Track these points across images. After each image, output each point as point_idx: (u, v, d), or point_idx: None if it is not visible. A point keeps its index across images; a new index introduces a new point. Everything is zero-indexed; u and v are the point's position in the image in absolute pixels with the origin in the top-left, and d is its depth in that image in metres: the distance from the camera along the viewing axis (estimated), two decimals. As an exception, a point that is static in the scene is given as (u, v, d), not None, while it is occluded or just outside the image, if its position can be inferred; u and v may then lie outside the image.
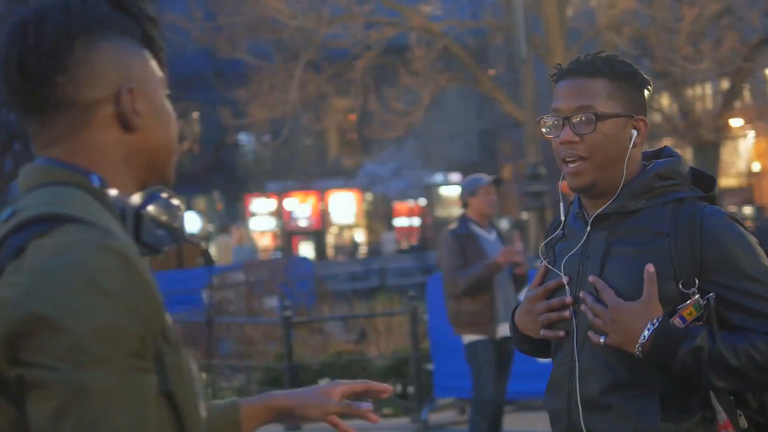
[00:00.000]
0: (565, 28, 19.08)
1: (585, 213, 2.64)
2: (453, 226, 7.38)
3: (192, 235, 1.60)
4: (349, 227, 45.73)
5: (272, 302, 15.07)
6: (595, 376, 2.56)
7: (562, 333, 2.62)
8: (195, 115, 29.38)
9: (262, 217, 43.81)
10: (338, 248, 44.76)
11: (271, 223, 44.04)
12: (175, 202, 1.71)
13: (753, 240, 2.53)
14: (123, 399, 1.48)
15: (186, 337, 11.79)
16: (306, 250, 41.73)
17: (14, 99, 1.65)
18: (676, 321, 2.48)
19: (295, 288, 15.43)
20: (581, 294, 2.57)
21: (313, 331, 13.11)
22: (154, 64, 1.71)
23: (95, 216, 1.56)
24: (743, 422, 2.56)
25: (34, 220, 1.53)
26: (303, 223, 44.04)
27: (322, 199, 43.84)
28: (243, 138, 35.18)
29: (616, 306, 2.49)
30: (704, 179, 2.64)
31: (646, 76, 2.62)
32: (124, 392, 1.48)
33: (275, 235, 43.77)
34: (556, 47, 18.60)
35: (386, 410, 10.01)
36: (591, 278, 2.54)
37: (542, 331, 2.65)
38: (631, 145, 2.55)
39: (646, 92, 2.63)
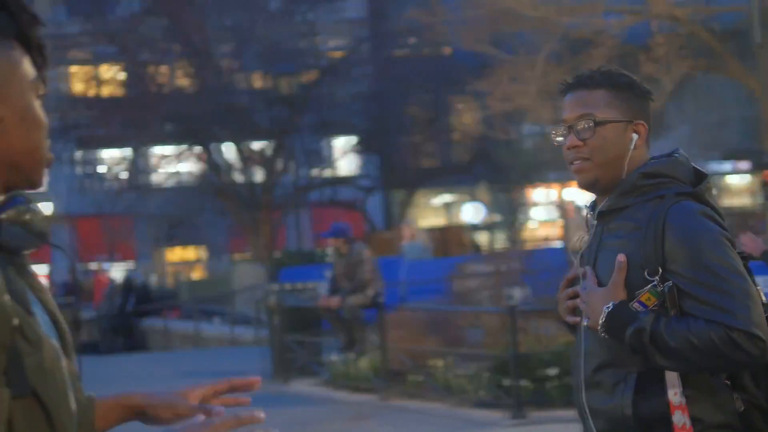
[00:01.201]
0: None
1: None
2: None
3: (51, 237, 1.70)
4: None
5: (516, 292, 15.26)
6: (592, 356, 2.84)
7: (578, 318, 2.90)
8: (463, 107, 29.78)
9: (542, 207, 43.59)
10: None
11: (552, 214, 43.76)
12: (36, 206, 1.67)
13: (718, 235, 2.72)
14: None
15: (431, 325, 12.29)
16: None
17: None
18: (635, 305, 2.72)
19: (538, 278, 15.54)
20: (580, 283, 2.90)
21: (546, 321, 13.20)
22: (25, 64, 1.63)
23: None
24: (739, 405, 2.73)
25: None
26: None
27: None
28: (517, 128, 35.21)
29: (588, 291, 2.80)
30: (699, 177, 2.84)
31: (645, 87, 2.90)
32: None
33: (556, 226, 43.47)
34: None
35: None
36: (582, 269, 2.87)
37: (567, 317, 2.96)
38: (632, 147, 2.82)
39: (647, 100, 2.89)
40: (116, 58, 25.86)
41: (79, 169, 33.68)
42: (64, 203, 45.22)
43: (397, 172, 27.43)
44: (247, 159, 23.85)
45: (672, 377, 2.71)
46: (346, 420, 10.55)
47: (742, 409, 2.74)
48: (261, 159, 23.78)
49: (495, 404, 10.39)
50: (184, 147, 25.82)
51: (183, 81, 25.70)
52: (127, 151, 28.32)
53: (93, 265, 42.35)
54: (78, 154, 34.59)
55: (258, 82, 24.10)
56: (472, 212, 34.73)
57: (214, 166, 25.07)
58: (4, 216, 1.62)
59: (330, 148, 25.94)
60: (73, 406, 1.63)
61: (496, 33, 20.53)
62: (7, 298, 1.51)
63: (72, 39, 25.96)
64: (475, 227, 34.67)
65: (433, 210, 35.02)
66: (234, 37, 24.24)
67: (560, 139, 2.89)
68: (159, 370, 15.08)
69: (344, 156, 27.13)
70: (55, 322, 1.67)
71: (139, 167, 27.49)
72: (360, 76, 24.38)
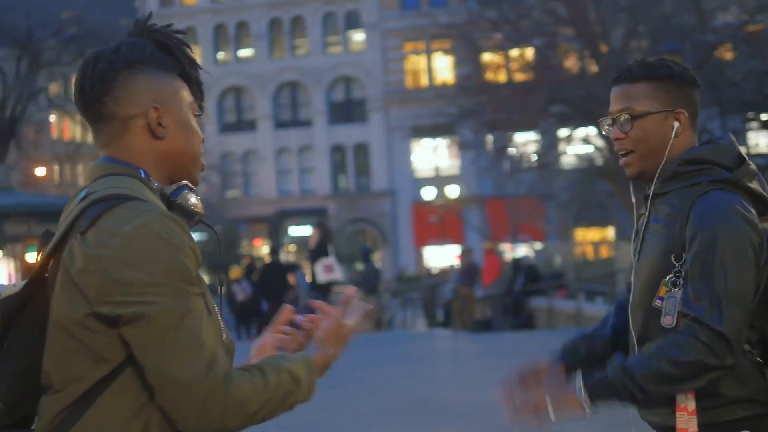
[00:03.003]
0: None
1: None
2: None
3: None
4: None
5: None
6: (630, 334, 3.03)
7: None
8: None
9: None
10: None
11: None
12: (195, 195, 2.33)
13: (741, 230, 2.77)
14: (198, 315, 2.11)
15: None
16: None
17: (82, 113, 2.34)
18: (657, 303, 2.88)
19: None
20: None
21: None
22: (184, 92, 2.35)
23: (146, 196, 2.20)
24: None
25: (106, 198, 2.15)
26: None
27: None
28: None
29: (551, 389, 2.95)
30: (741, 162, 2.93)
31: (689, 75, 3.00)
32: (197, 310, 2.11)
33: None
34: None
35: None
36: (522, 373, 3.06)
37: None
38: (673, 135, 2.94)
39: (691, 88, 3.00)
40: (517, 43, 26.57)
41: (488, 153, 34.84)
42: (473, 186, 47.07)
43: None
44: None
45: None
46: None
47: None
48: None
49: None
50: (580, 129, 26.13)
51: (577, 64, 25.99)
52: (532, 135, 29.04)
53: (502, 246, 43.68)
54: (488, 138, 35.84)
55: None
56: None
57: (600, 148, 25.23)
58: (177, 200, 2.26)
59: (725, 126, 25.22)
60: (226, 334, 2.26)
61: None
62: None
63: (476, 25, 26.97)
64: None
65: None
66: (628, 17, 24.22)
67: (607, 129, 3.06)
68: (542, 347, 15.58)
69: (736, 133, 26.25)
70: None
71: (545, 149, 28.10)
72: (752, 51, 23.51)
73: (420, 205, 49.82)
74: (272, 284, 21.58)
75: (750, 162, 2.90)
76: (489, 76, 28.23)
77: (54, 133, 56.66)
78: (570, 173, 30.74)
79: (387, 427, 9.99)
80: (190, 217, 2.28)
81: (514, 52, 27.16)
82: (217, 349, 2.12)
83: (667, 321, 2.83)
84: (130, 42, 2.31)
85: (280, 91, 54.48)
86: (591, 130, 25.49)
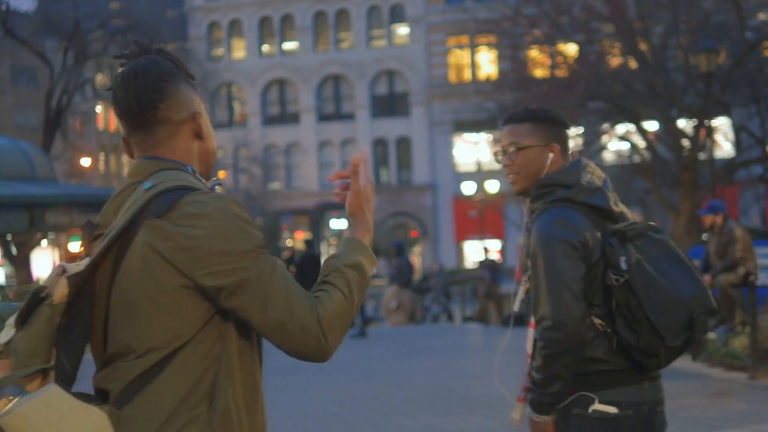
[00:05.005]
0: None
1: None
2: None
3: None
4: None
5: None
6: None
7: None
8: None
9: None
10: None
11: None
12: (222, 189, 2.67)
13: (554, 239, 3.55)
14: (280, 267, 2.45)
15: None
16: None
17: (128, 119, 2.59)
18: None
19: None
20: None
21: None
22: (200, 100, 2.71)
23: (201, 187, 2.53)
24: (612, 344, 3.59)
25: (176, 188, 2.46)
26: None
27: None
28: None
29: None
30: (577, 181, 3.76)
31: (559, 118, 3.84)
32: (278, 264, 2.45)
33: None
34: None
35: None
36: None
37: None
38: (548, 163, 3.79)
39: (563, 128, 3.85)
40: (557, 40, 26.58)
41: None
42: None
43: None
44: (672, 137, 23.76)
45: (530, 333, 3.69)
46: (707, 396, 10.61)
47: (616, 348, 3.56)
48: (684, 137, 23.60)
49: None
50: (618, 126, 26.12)
51: (615, 60, 25.97)
52: (572, 131, 29.04)
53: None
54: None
55: (685, 59, 23.88)
56: None
57: (635, 145, 25.22)
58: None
59: (764, 124, 25.08)
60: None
61: None
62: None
63: (515, 22, 27.00)
64: None
65: None
66: (668, 14, 24.17)
67: (500, 159, 3.90)
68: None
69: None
70: None
71: (585, 145, 28.10)
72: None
73: (461, 199, 49.92)
74: (308, 274, 21.84)
75: (587, 181, 3.65)
76: (528, 71, 28.28)
77: (99, 124, 57.32)
78: (608, 170, 30.70)
79: (410, 418, 10.18)
80: None
81: (553, 49, 27.18)
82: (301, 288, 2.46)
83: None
84: (157, 58, 2.61)
85: (324, 84, 54.76)
86: (629, 127, 25.49)
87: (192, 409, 2.40)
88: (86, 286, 2.44)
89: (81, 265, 2.46)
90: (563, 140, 3.85)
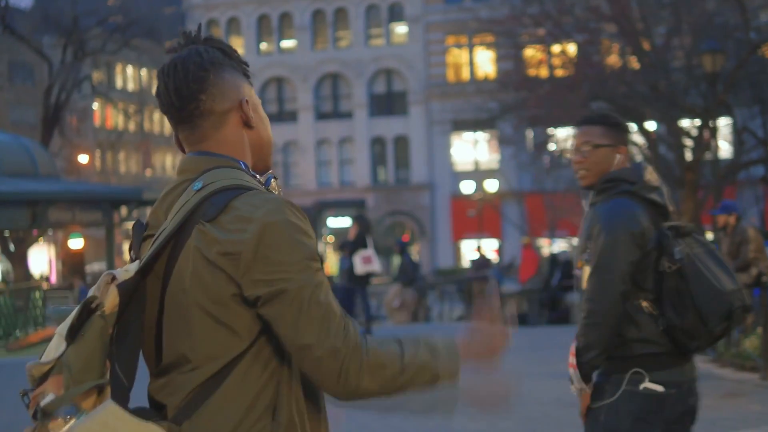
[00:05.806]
0: None
1: None
2: None
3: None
4: None
5: None
6: None
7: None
8: None
9: None
10: None
11: None
12: (277, 183, 2.51)
13: (618, 227, 3.97)
14: (326, 287, 2.27)
15: None
16: None
17: (171, 113, 2.46)
18: (576, 272, 4.23)
19: None
20: None
21: None
22: (251, 87, 2.55)
23: (255, 185, 2.37)
24: (660, 325, 3.97)
25: (228, 188, 2.32)
26: None
27: None
28: None
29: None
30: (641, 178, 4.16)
31: (626, 125, 4.31)
32: (324, 283, 2.27)
33: None
34: None
35: None
36: None
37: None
38: (615, 163, 4.17)
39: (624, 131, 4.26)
40: (559, 40, 26.56)
41: (527, 148, 34.85)
42: (512, 180, 47.07)
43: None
44: (674, 137, 23.75)
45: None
46: (719, 396, 10.56)
47: (662, 328, 3.95)
48: (688, 137, 23.59)
49: None
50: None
51: (617, 60, 25.95)
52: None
53: (540, 241, 43.62)
54: (528, 133, 35.84)
55: (688, 59, 23.86)
56: None
57: (637, 145, 25.20)
58: (268, 189, 2.43)
59: (766, 124, 25.07)
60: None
61: None
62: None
63: (517, 21, 26.97)
64: None
65: None
66: (671, 15, 24.14)
67: (571, 156, 4.37)
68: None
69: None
70: None
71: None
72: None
73: (459, 198, 49.87)
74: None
75: (650, 180, 4.06)
76: (530, 71, 28.25)
77: (97, 121, 57.21)
78: (609, 170, 30.65)
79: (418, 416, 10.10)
80: None
81: (556, 48, 27.16)
82: (347, 317, 2.28)
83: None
84: (201, 48, 2.47)
85: (322, 82, 54.69)
86: (631, 127, 25.45)
87: (255, 423, 2.28)
88: (136, 292, 2.32)
89: (130, 271, 2.33)
90: (628, 144, 4.34)
